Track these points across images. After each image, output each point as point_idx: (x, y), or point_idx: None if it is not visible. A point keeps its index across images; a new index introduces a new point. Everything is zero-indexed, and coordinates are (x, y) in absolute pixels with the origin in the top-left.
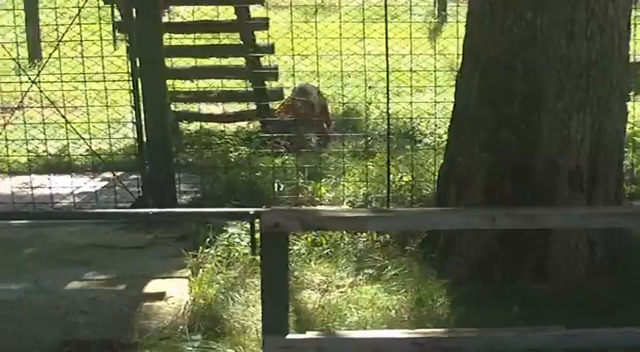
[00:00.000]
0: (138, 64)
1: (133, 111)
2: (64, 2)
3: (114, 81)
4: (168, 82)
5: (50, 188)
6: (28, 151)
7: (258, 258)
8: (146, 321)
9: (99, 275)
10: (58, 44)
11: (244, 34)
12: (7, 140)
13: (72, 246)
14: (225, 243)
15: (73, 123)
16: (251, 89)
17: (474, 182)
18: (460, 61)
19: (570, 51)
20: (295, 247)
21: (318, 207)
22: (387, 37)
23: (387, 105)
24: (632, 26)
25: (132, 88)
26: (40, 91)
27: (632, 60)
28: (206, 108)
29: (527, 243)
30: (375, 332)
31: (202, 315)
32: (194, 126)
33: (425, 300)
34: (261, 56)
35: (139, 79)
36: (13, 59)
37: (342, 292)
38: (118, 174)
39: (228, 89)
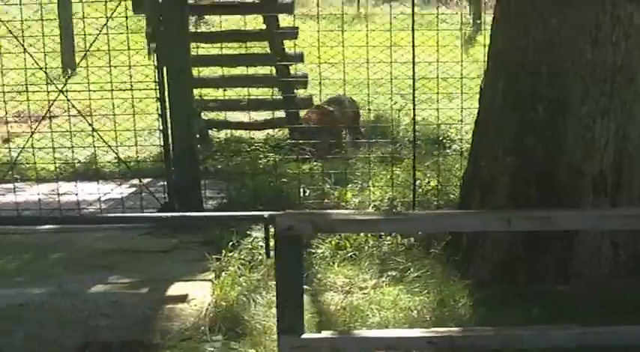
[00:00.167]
0: (165, 73)
1: (160, 119)
2: (93, 12)
3: (140, 90)
4: (199, 91)
5: (77, 194)
6: (56, 159)
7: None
8: (168, 323)
9: (123, 279)
10: (85, 54)
11: (273, 43)
12: (33, 148)
13: (98, 251)
14: (249, 246)
15: (100, 131)
16: (280, 97)
17: (497, 186)
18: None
19: (595, 56)
20: (319, 250)
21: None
22: (413, 45)
23: (414, 111)
24: None
25: (158, 97)
26: (68, 100)
27: None
28: (235, 116)
29: (551, 244)
30: (390, 331)
31: (224, 317)
32: (224, 133)
33: (447, 301)
34: (290, 65)
35: (166, 88)
36: (41, 68)
37: (364, 293)
38: (146, 181)
39: (258, 97)
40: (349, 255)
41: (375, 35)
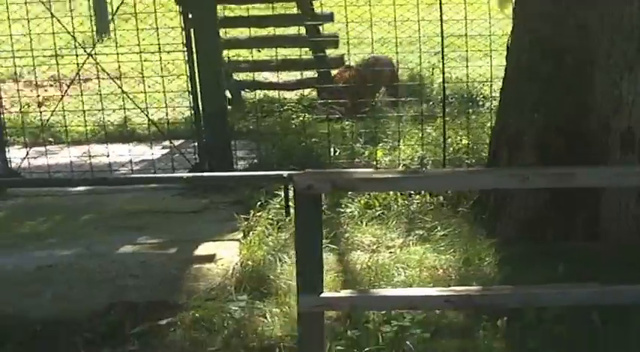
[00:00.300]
0: (193, 35)
1: (189, 81)
2: None
3: (168, 52)
4: (232, 52)
5: (108, 156)
6: (87, 122)
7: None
8: (194, 283)
9: (152, 240)
10: (112, 18)
11: (302, 3)
12: (64, 111)
13: (128, 212)
14: (277, 206)
15: (130, 94)
16: (311, 57)
17: (525, 143)
18: None
19: (623, 8)
20: (348, 210)
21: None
22: (441, 2)
23: (443, 70)
24: None
25: (186, 59)
26: (97, 63)
27: None
28: (268, 77)
29: (578, 202)
30: (407, 290)
31: (250, 276)
32: (257, 94)
33: (472, 260)
34: (320, 24)
35: (193, 49)
36: (68, 32)
37: (391, 252)
38: (179, 142)
39: (290, 57)
40: (377, 214)
41: None
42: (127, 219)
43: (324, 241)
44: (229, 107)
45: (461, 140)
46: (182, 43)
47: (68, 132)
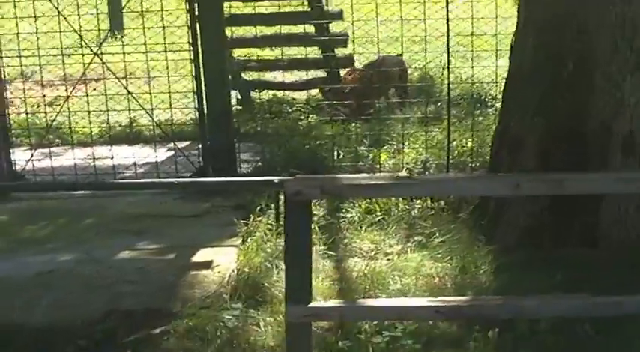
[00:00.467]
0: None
1: (194, 81)
2: None
3: (174, 51)
4: (241, 51)
5: (112, 158)
6: (93, 123)
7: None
8: (190, 290)
9: (152, 245)
10: (122, 13)
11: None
12: (69, 111)
13: (130, 216)
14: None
15: (136, 94)
16: (321, 56)
17: (526, 146)
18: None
19: (625, 10)
20: (349, 215)
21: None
22: (447, 1)
23: (448, 70)
24: None
25: (192, 58)
26: (103, 63)
27: None
28: (278, 76)
29: (578, 208)
30: (397, 300)
31: (245, 284)
32: (266, 94)
33: (469, 267)
34: (329, 23)
35: (199, 49)
36: (75, 31)
37: (389, 260)
38: (184, 144)
39: (298, 56)
40: (378, 219)
41: None
42: (129, 223)
43: (322, 247)
44: (239, 107)
45: (466, 143)
46: (188, 42)
47: (74, 133)
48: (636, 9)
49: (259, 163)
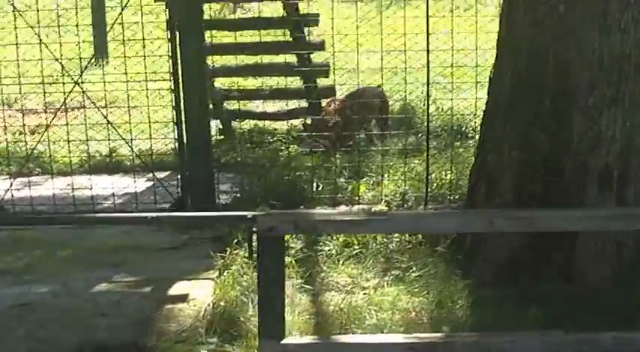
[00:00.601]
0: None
1: (174, 111)
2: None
3: (155, 81)
4: (223, 80)
5: (91, 189)
6: (72, 152)
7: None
8: (166, 324)
9: (129, 277)
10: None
11: (294, 31)
12: (49, 141)
13: (107, 248)
14: (255, 244)
15: (115, 124)
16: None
17: (503, 180)
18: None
19: (603, 44)
20: (326, 248)
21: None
22: (428, 33)
23: (427, 101)
24: None
25: (172, 88)
26: (83, 92)
27: None
28: (260, 106)
29: (555, 244)
30: (372, 337)
31: (221, 318)
32: (248, 124)
33: (445, 302)
34: (311, 53)
35: (179, 79)
36: (57, 60)
37: (365, 294)
38: (164, 174)
39: (280, 87)
40: (355, 252)
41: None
42: (107, 255)
43: (299, 281)
44: (221, 137)
45: (445, 175)
46: (168, 71)
47: (54, 163)
48: (614, 43)
49: (238, 195)
